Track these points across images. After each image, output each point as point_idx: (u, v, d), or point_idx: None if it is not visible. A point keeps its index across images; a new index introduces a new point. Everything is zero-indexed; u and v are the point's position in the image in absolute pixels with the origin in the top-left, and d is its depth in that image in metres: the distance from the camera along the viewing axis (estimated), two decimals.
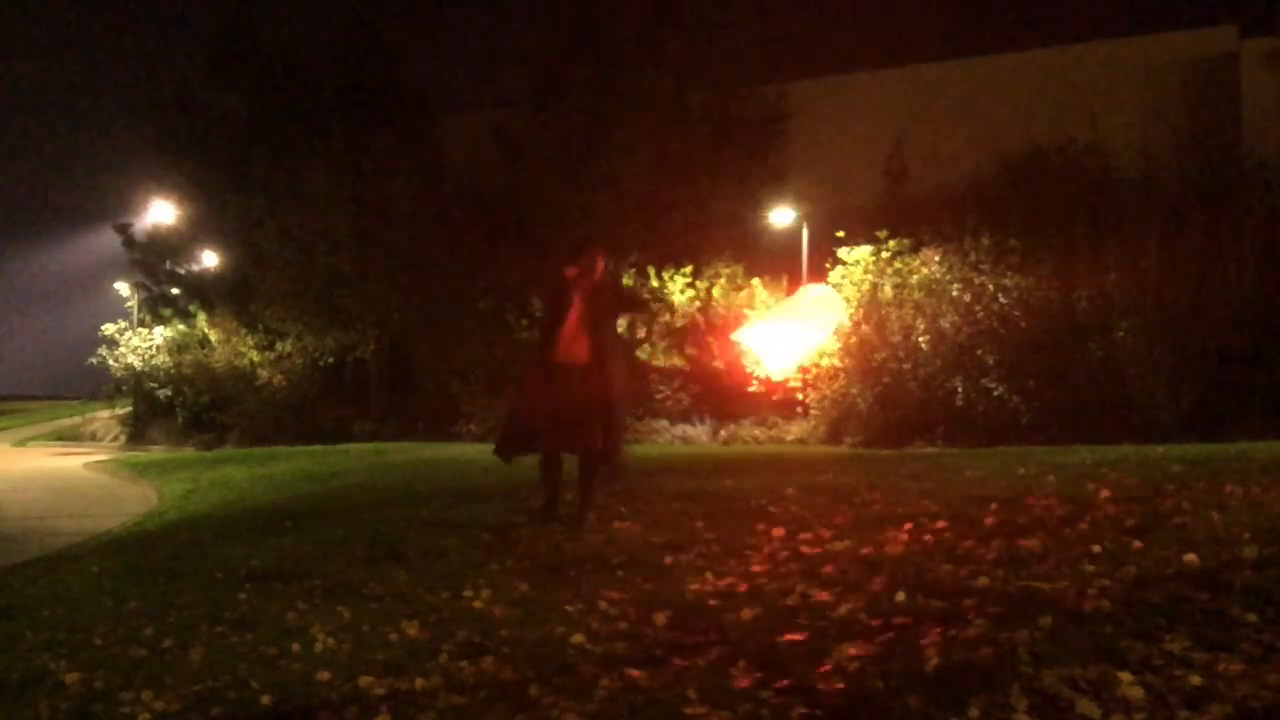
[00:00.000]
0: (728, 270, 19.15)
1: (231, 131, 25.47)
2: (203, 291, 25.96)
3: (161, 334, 26.45)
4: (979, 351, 14.35)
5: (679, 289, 19.07)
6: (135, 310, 27.28)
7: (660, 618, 3.85)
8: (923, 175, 19.40)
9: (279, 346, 23.57)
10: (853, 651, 3.17)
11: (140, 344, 26.45)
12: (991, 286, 14.42)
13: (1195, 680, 2.66)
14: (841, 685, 2.94)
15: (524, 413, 6.42)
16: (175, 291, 27.02)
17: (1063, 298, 13.82)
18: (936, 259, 15.34)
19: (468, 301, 21.45)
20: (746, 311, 18.29)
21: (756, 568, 4.55)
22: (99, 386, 28.13)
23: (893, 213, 18.67)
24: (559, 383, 6.23)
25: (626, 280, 19.30)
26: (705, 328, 18.96)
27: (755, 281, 18.46)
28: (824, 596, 3.91)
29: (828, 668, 3.09)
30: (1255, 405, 12.59)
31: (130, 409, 27.75)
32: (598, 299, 6.40)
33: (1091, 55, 20.81)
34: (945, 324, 14.77)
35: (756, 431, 17.43)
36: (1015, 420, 13.77)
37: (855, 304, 16.11)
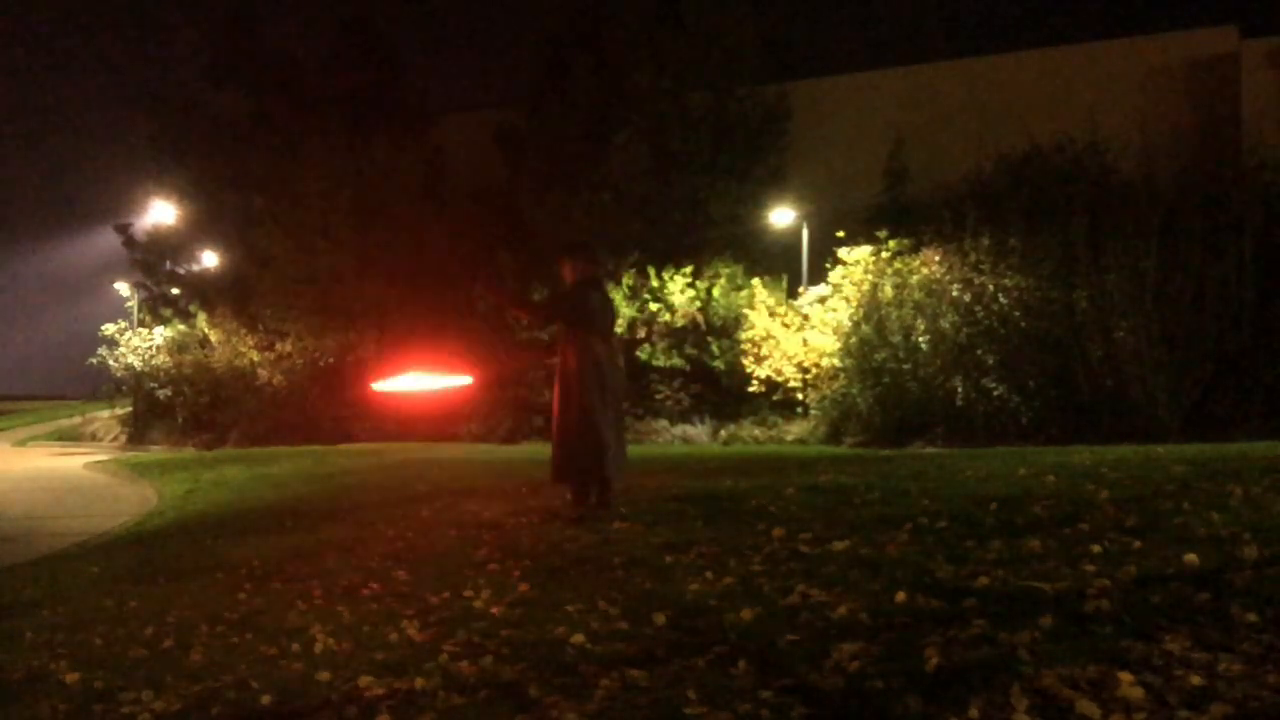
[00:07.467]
0: (728, 270, 19.15)
1: (231, 131, 25.46)
2: (203, 291, 25.92)
3: (161, 334, 26.42)
4: (979, 351, 14.34)
5: (679, 289, 19.05)
6: (135, 310, 27.25)
7: (660, 618, 3.85)
8: (923, 175, 19.38)
9: (279, 346, 23.54)
10: (852, 651, 3.17)
11: (140, 344, 26.42)
12: (991, 286, 14.41)
13: (1195, 680, 2.66)
14: (841, 685, 2.94)
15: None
16: (175, 291, 26.99)
17: (1063, 298, 13.82)
18: (936, 259, 15.34)
19: (468, 301, 21.43)
20: (746, 311, 18.29)
21: (756, 568, 4.55)
22: (99, 386, 28.07)
23: (893, 213, 18.69)
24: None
25: (627, 279, 19.30)
26: (705, 328, 18.96)
27: (755, 281, 18.45)
28: (824, 596, 3.91)
29: (828, 668, 3.09)
30: (1255, 405, 12.58)
31: (130, 409, 27.71)
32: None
33: (1091, 55, 20.80)
34: (945, 324, 14.76)
35: (756, 431, 17.42)
36: (1015, 420, 13.77)
37: (855, 304, 16.11)
